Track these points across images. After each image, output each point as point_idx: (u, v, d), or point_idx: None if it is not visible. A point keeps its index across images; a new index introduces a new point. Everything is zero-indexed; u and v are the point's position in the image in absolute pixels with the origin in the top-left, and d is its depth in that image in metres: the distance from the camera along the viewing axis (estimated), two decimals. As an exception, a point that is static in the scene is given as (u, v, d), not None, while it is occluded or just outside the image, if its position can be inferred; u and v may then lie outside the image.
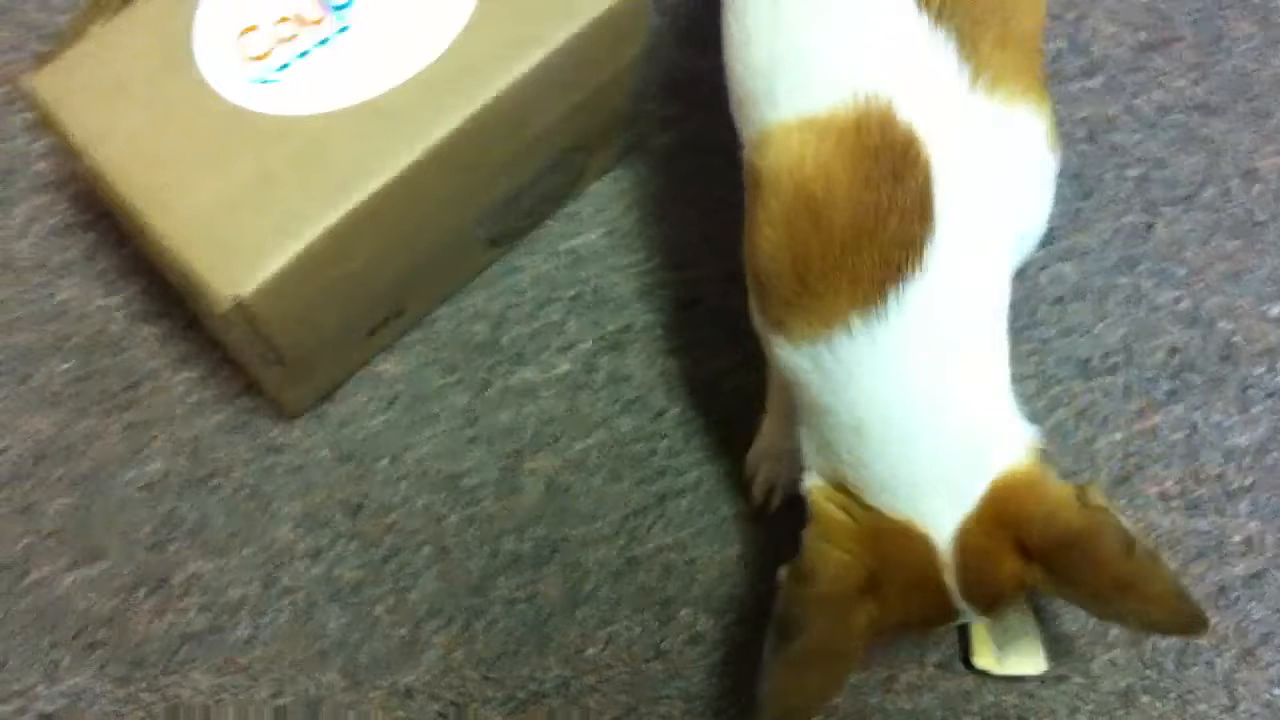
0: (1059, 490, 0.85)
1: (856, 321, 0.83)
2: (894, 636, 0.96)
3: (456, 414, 1.19)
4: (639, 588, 1.12)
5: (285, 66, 1.05)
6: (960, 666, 1.08)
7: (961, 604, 0.86)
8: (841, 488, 0.87)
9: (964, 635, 1.08)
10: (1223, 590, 1.10)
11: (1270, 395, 1.18)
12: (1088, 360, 1.19)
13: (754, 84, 0.91)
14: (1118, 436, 1.16)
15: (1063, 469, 1.13)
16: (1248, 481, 1.14)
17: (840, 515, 0.87)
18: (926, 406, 0.83)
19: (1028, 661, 1.07)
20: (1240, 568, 1.11)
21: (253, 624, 1.12)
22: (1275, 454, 1.15)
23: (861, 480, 0.86)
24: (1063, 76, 1.31)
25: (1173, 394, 1.18)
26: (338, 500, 1.16)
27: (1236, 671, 1.08)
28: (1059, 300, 1.22)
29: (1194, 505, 1.14)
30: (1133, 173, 1.27)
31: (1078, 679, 1.08)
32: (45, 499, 1.16)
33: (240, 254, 0.99)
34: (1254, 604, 1.10)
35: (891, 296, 0.82)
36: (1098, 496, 0.84)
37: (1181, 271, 1.23)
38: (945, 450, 0.84)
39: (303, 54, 1.06)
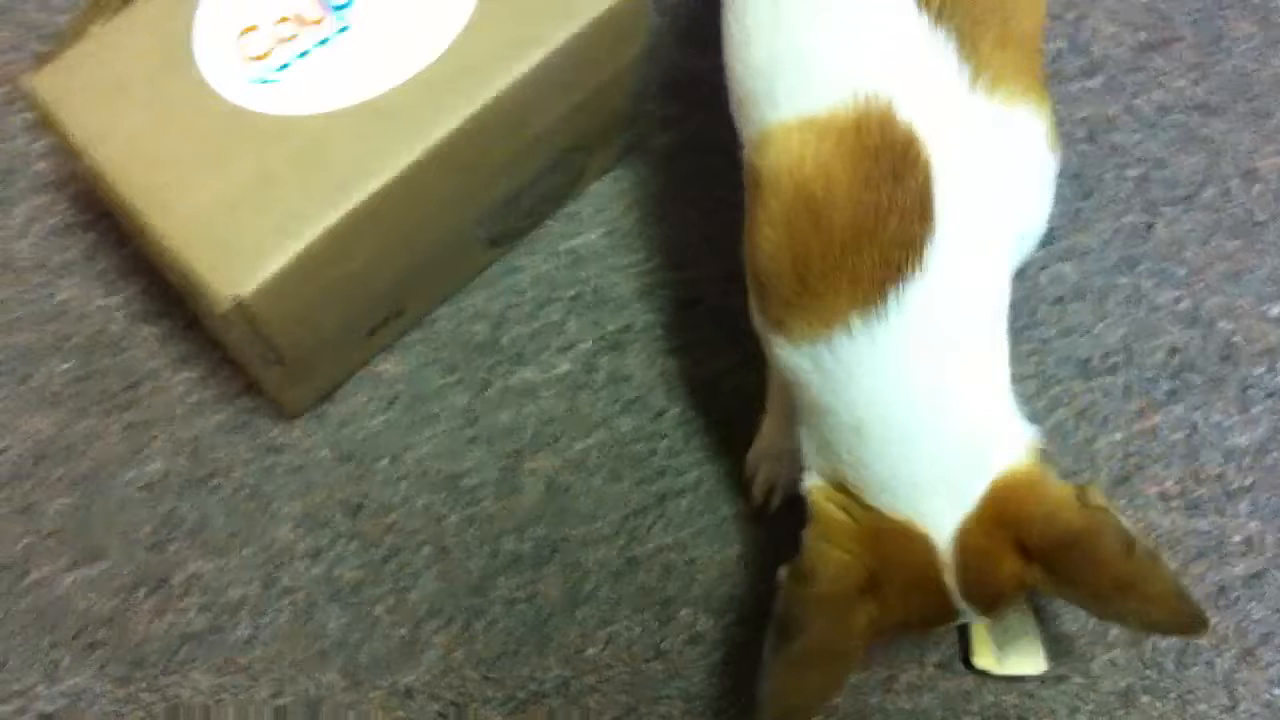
0: (1059, 490, 0.85)
1: (856, 321, 0.83)
2: (894, 636, 0.96)
3: (456, 414, 1.19)
4: (639, 588, 1.12)
5: (285, 66, 1.05)
6: (960, 666, 1.08)
7: (961, 604, 0.86)
8: (841, 488, 0.87)
9: (964, 635, 1.08)
10: (1223, 590, 1.10)
11: (1270, 395, 1.18)
12: (1088, 360, 1.19)
13: (754, 84, 0.91)
14: (1118, 436, 1.16)
15: (1063, 469, 1.13)
16: (1248, 481, 1.14)
17: (840, 515, 0.87)
18: (926, 406, 0.83)
19: (1028, 661, 1.07)
20: (1240, 568, 1.11)
21: (253, 624, 1.12)
22: (1275, 454, 1.15)
23: (861, 480, 0.86)
24: (1063, 76, 1.31)
25: (1173, 394, 1.18)
26: (338, 500, 1.16)
27: (1236, 671, 1.08)
28: (1059, 300, 1.22)
29: (1194, 505, 1.14)
30: (1133, 173, 1.27)
31: (1078, 679, 1.08)
32: (45, 499, 1.16)
33: (240, 254, 0.99)
34: (1254, 604, 1.10)
35: (891, 296, 0.82)
36: (1098, 496, 0.84)
37: (1181, 271, 1.23)
38: (945, 450, 0.84)
39: (303, 54, 1.06)
